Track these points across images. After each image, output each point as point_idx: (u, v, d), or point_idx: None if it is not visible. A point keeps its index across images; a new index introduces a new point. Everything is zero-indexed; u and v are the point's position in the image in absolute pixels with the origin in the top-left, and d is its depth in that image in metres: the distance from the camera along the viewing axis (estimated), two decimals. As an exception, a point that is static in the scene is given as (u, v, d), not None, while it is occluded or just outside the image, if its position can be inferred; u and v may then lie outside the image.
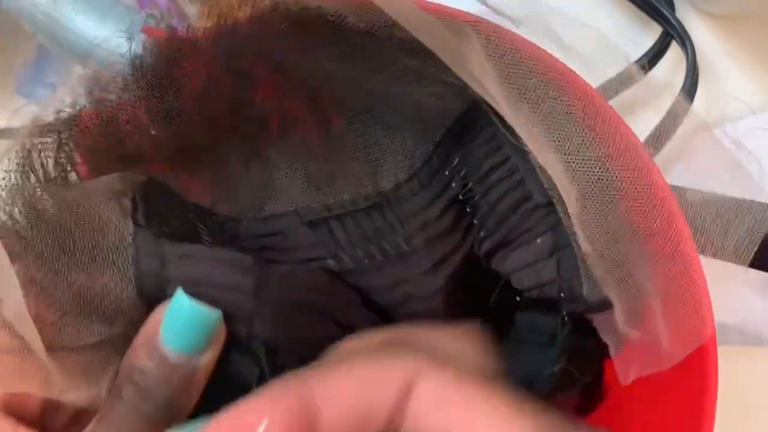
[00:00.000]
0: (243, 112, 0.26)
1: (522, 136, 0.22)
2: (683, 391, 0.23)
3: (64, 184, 0.22)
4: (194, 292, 0.21)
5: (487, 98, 0.23)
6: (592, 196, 0.21)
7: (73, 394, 0.20)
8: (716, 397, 0.22)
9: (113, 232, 0.21)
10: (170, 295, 0.21)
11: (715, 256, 0.22)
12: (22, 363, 0.21)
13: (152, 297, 0.22)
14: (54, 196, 0.21)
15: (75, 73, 0.23)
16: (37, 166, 0.21)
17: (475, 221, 0.28)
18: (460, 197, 0.29)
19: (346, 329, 0.27)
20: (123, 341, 0.21)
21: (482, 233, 0.29)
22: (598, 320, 0.24)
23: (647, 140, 0.25)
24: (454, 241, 0.30)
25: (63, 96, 0.22)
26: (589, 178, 0.21)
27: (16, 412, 0.21)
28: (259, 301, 0.23)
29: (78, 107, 0.22)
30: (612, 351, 0.23)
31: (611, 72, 0.24)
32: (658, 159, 0.24)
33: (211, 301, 0.21)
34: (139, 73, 0.23)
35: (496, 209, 0.27)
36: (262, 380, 0.22)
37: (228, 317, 0.22)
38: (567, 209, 0.22)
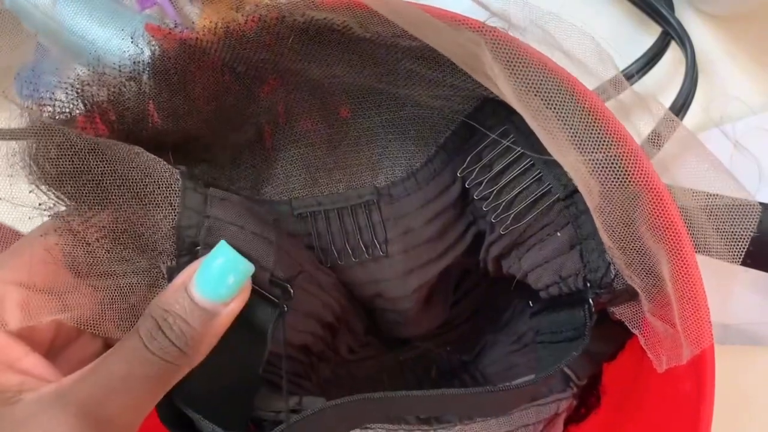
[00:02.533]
0: (250, 107, 0.27)
1: (536, 132, 0.22)
2: (680, 396, 0.23)
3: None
4: (230, 232, 0.22)
5: (502, 97, 0.23)
6: (612, 189, 0.22)
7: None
8: (713, 403, 0.22)
9: (161, 169, 0.22)
10: (202, 238, 0.22)
11: (709, 254, 0.22)
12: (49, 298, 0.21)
13: (186, 235, 0.22)
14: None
15: (76, 74, 0.23)
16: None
17: (492, 219, 0.28)
18: (475, 197, 0.29)
19: (331, 298, 0.29)
20: (146, 287, 0.22)
21: (491, 237, 0.29)
22: (622, 311, 0.24)
23: (644, 142, 0.25)
24: (434, 250, 0.30)
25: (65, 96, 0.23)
26: (609, 172, 0.22)
27: (27, 338, 0.21)
28: (279, 253, 0.24)
29: (85, 108, 0.23)
30: (641, 340, 0.24)
31: (608, 74, 0.24)
32: (655, 161, 0.24)
33: (243, 244, 0.22)
34: (147, 75, 0.23)
35: (512, 207, 0.27)
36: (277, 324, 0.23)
37: (254, 262, 0.22)
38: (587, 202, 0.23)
